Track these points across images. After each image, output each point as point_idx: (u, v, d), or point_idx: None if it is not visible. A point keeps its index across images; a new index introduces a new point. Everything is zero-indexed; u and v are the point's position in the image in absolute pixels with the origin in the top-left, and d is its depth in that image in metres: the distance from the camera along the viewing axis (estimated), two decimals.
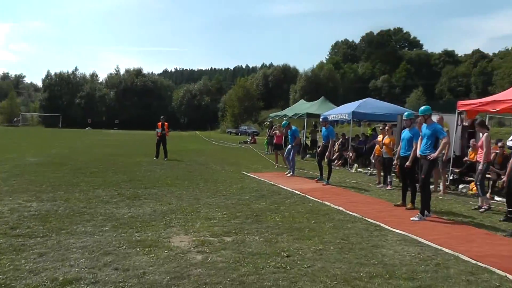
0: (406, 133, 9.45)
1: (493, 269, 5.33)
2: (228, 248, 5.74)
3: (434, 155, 8.19)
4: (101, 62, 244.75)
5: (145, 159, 18.20)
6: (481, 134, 9.95)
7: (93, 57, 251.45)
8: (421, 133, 8.75)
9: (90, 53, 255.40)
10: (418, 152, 8.66)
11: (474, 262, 5.59)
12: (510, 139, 9.10)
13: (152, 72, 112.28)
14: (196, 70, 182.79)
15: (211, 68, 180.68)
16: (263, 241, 6.19)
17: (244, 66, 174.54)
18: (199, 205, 8.64)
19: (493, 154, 11.50)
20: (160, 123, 18.92)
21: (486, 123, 10.32)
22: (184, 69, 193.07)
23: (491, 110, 11.84)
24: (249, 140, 37.87)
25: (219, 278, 4.60)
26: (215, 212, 8.02)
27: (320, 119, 14.15)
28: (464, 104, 12.83)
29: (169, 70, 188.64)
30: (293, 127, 15.44)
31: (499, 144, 11.86)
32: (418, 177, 8.93)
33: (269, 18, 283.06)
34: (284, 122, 16.75)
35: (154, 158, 18.37)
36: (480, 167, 9.54)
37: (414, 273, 5.04)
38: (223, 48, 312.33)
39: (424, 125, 8.59)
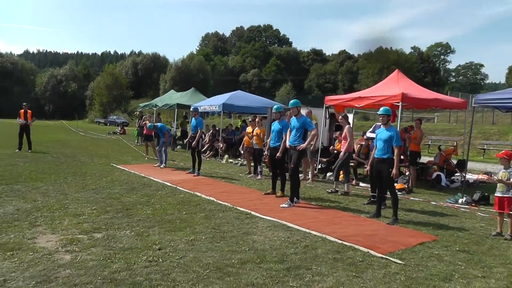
0: (276, 125, 9.95)
1: (357, 246, 5.97)
2: (98, 245, 5.65)
3: (303, 145, 8.81)
4: None
5: (6, 151, 16.86)
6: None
7: None
8: (290, 125, 9.28)
9: None
10: (288, 143, 9.19)
11: (340, 242, 6.18)
12: (369, 130, 10.08)
13: (11, 52, 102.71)
14: (61, 53, 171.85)
15: (78, 52, 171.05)
16: (134, 235, 6.18)
17: (112, 52, 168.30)
18: (67, 201, 8.30)
19: (359, 145, 12.64)
20: (22, 110, 17.57)
21: (352, 118, 11.26)
22: (48, 51, 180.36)
23: (356, 105, 12.94)
24: (118, 131, 36.79)
25: (90, 278, 4.53)
26: (84, 208, 7.79)
27: (190, 110, 14.25)
28: (331, 99, 13.87)
29: (31, 52, 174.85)
30: (159, 125, 15.47)
31: (365, 136, 12.96)
32: (287, 166, 9.48)
33: (138, 4, 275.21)
34: (194, 106, 16.57)
35: (17, 150, 17.07)
36: (341, 155, 10.43)
37: (284, 256, 5.44)
38: (90, 31, 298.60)
39: (294, 118, 9.14)
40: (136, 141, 25.04)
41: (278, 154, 9.57)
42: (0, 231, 6.19)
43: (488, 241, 6.70)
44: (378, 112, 8.33)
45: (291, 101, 9.22)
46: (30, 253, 5.26)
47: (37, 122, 23.17)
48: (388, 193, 8.00)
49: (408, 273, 4.99)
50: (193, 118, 13.40)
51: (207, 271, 4.84)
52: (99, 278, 4.54)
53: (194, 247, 5.72)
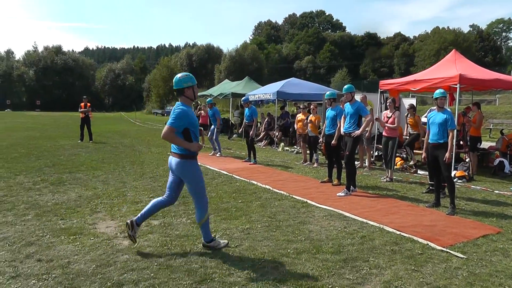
0: (329, 112, 9.72)
1: (415, 238, 5.69)
2: (155, 232, 5.72)
3: (358, 132, 8.55)
4: (15, 39, 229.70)
5: (69, 142, 17.61)
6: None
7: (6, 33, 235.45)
8: (344, 112, 9.05)
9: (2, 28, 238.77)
10: (342, 130, 8.96)
11: (398, 232, 5.93)
12: (424, 115, 9.68)
13: (72, 50, 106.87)
14: (118, 48, 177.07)
15: (134, 46, 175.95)
16: (190, 222, 6.20)
17: (167, 45, 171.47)
18: (125, 189, 8.50)
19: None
20: (83, 103, 18.37)
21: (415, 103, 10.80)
22: (106, 47, 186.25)
23: (412, 89, 12.44)
24: None
25: (146, 263, 4.58)
26: (142, 196, 7.93)
27: (242, 101, 14.25)
28: (386, 83, 13.37)
29: (91, 48, 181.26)
30: (215, 108, 15.39)
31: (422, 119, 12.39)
32: (343, 154, 9.26)
33: None
34: (208, 99, 16.73)
35: (79, 141, 17.84)
36: (391, 143, 10.14)
37: (340, 247, 5.26)
38: (145, 26, 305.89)
39: (348, 104, 8.89)
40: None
41: (333, 142, 9.35)
42: (64, 216, 6.47)
43: None
44: (433, 96, 7.92)
45: (345, 87, 8.97)
46: (91, 238, 5.42)
47: (97, 114, 23.98)
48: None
49: (470, 269, 4.66)
50: (246, 108, 13.37)
51: (262, 260, 4.76)
52: (156, 264, 4.57)
53: (250, 235, 5.67)
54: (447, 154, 7.34)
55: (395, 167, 11.45)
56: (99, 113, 57.32)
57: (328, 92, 10.24)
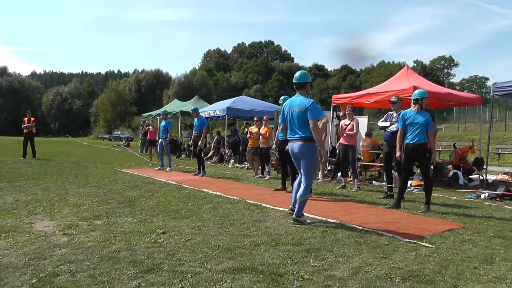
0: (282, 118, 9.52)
1: (380, 231, 5.48)
2: (98, 230, 5.26)
3: None
4: None
5: (10, 159, 16.68)
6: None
7: None
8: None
9: None
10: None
11: (361, 227, 5.71)
12: (381, 120, 9.64)
13: (19, 73, 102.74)
14: (66, 73, 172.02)
15: (82, 72, 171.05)
16: (136, 221, 5.79)
17: (116, 71, 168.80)
18: (67, 195, 7.93)
19: (362, 147, 12.22)
20: (26, 118, 17.55)
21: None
22: (54, 71, 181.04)
23: (366, 102, 12.47)
24: (122, 144, 36.47)
25: (87, 256, 4.15)
26: (85, 200, 7.41)
27: (190, 111, 13.87)
28: (338, 98, 13.40)
29: (38, 73, 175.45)
30: (168, 120, 14.91)
31: (379, 124, 12.35)
32: None
33: (138, 23, 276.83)
34: (163, 109, 16.31)
35: (21, 158, 16.88)
36: (350, 153, 10.05)
37: (301, 239, 4.99)
38: (94, 51, 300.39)
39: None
40: (140, 150, 24.63)
41: (287, 147, 9.13)
42: None
43: None
44: (412, 97, 7.79)
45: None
46: (26, 235, 4.95)
47: (42, 139, 22.95)
48: (402, 182, 7.57)
49: (441, 256, 4.47)
50: (196, 119, 13.04)
51: (217, 251, 4.41)
52: (97, 256, 4.15)
53: (202, 231, 5.30)
54: (397, 154, 7.60)
55: (349, 179, 11.40)
56: (45, 138, 55.29)
57: (282, 97, 9.96)
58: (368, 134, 13.90)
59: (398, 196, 7.71)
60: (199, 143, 12.60)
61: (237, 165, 16.87)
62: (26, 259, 4.02)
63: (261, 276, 3.69)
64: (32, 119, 17.63)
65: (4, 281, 3.46)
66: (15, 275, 3.61)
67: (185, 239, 4.89)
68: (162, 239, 4.82)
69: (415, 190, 10.10)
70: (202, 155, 12.77)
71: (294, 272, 3.81)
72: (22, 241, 4.64)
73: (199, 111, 15.50)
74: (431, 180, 7.67)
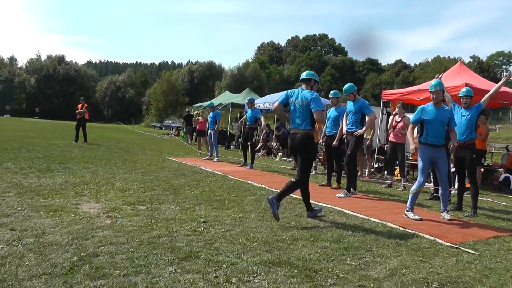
0: (332, 112, 9.41)
1: (421, 234, 5.32)
2: (141, 215, 5.35)
3: (361, 131, 8.15)
4: (20, 48, 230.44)
5: (63, 142, 17.24)
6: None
7: (11, 42, 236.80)
8: (346, 110, 8.69)
9: (8, 37, 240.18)
10: (345, 129, 8.59)
11: (402, 229, 5.57)
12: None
13: (75, 62, 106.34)
14: (121, 63, 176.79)
15: (136, 62, 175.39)
16: (179, 209, 5.84)
17: (170, 62, 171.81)
18: (114, 180, 8.10)
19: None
20: (80, 105, 18.14)
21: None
22: (109, 61, 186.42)
23: (416, 99, 12.11)
24: (173, 132, 37.08)
25: (127, 239, 4.22)
26: (131, 185, 7.55)
27: (246, 101, 13.84)
28: (388, 93, 13.07)
29: (93, 62, 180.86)
30: (217, 111, 15.06)
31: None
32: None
33: (193, 15, 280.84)
34: (210, 102, 16.48)
35: (74, 142, 17.45)
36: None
37: (340, 237, 4.89)
38: (149, 42, 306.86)
39: (350, 102, 8.53)
40: (185, 140, 25.11)
41: (334, 142, 9.00)
42: (47, 196, 6.14)
43: None
44: (460, 94, 7.55)
45: (345, 87, 8.57)
46: (72, 215, 5.09)
47: (95, 124, 23.60)
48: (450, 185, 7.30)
49: (484, 264, 4.26)
50: (249, 110, 13.05)
51: (255, 243, 4.39)
52: (137, 240, 4.22)
53: (242, 222, 5.30)
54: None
55: (396, 177, 11.14)
56: (97, 124, 57.03)
57: (332, 91, 9.85)
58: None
59: (458, 199, 7.57)
60: (252, 135, 12.62)
61: (285, 158, 16.80)
62: (70, 238, 4.14)
63: (295, 271, 3.64)
64: (85, 105, 18.17)
65: (48, 257, 3.57)
66: (58, 252, 3.72)
67: (225, 229, 4.89)
68: (202, 228, 4.84)
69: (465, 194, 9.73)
70: (251, 147, 12.75)
71: (330, 270, 3.74)
72: (67, 221, 4.77)
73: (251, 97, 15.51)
74: (476, 183, 7.35)
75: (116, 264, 3.50)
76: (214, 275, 3.42)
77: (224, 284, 3.28)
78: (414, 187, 6.52)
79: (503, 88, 11.79)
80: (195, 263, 3.68)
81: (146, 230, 4.60)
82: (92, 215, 5.12)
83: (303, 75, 6.11)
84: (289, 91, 6.19)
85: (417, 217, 6.27)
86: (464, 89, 7.56)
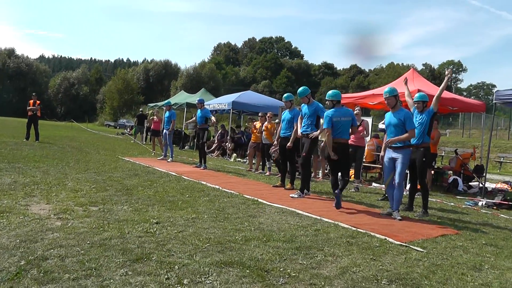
0: (286, 114, 9.53)
1: (372, 233, 5.49)
2: (93, 216, 5.29)
3: (316, 133, 8.29)
4: None
5: (13, 140, 16.74)
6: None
7: None
8: (301, 113, 8.82)
9: None
10: (299, 132, 8.72)
11: (354, 228, 5.72)
12: (381, 122, 9.62)
13: (27, 56, 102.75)
14: (75, 59, 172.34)
15: (91, 58, 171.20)
16: (132, 210, 5.81)
17: (125, 60, 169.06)
18: (66, 180, 7.95)
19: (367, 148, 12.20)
20: (31, 101, 17.62)
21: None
22: (63, 56, 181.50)
23: (370, 103, 12.44)
24: (127, 131, 36.54)
25: (78, 241, 4.17)
26: (83, 186, 7.44)
27: (196, 102, 13.82)
28: (344, 97, 13.34)
29: (46, 57, 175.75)
30: (172, 110, 14.97)
31: (379, 126, 12.34)
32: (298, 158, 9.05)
33: (150, 13, 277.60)
34: (166, 101, 16.43)
35: (24, 140, 16.94)
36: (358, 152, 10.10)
37: (293, 237, 4.99)
38: (104, 39, 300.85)
39: (304, 105, 8.67)
40: (134, 138, 24.95)
41: (288, 144, 9.13)
42: None
43: None
44: (414, 99, 7.81)
45: (299, 90, 8.71)
46: (21, 217, 4.97)
47: (47, 122, 23.00)
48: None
49: (431, 260, 4.49)
50: (199, 110, 13.04)
51: (207, 244, 4.43)
52: (88, 242, 4.17)
53: (195, 223, 5.32)
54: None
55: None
56: (50, 121, 55.52)
57: (286, 94, 9.96)
58: (376, 136, 13.95)
59: (410, 199, 7.87)
60: (202, 135, 12.63)
61: (239, 159, 16.88)
62: (18, 240, 4.05)
63: (247, 271, 3.70)
64: (38, 102, 17.69)
65: None
66: (4, 256, 3.64)
67: (178, 230, 4.91)
68: (155, 229, 4.84)
69: (417, 195, 10.09)
70: (205, 148, 12.76)
71: (281, 269, 3.83)
72: (15, 223, 4.67)
73: (205, 103, 15.51)
74: (426, 186, 7.66)
75: (66, 268, 3.47)
76: (166, 276, 3.44)
77: (176, 285, 3.30)
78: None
79: (453, 96, 12.30)
80: (147, 265, 3.69)
81: (98, 232, 4.56)
82: (42, 217, 5.03)
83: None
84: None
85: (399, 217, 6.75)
86: (417, 94, 7.84)
